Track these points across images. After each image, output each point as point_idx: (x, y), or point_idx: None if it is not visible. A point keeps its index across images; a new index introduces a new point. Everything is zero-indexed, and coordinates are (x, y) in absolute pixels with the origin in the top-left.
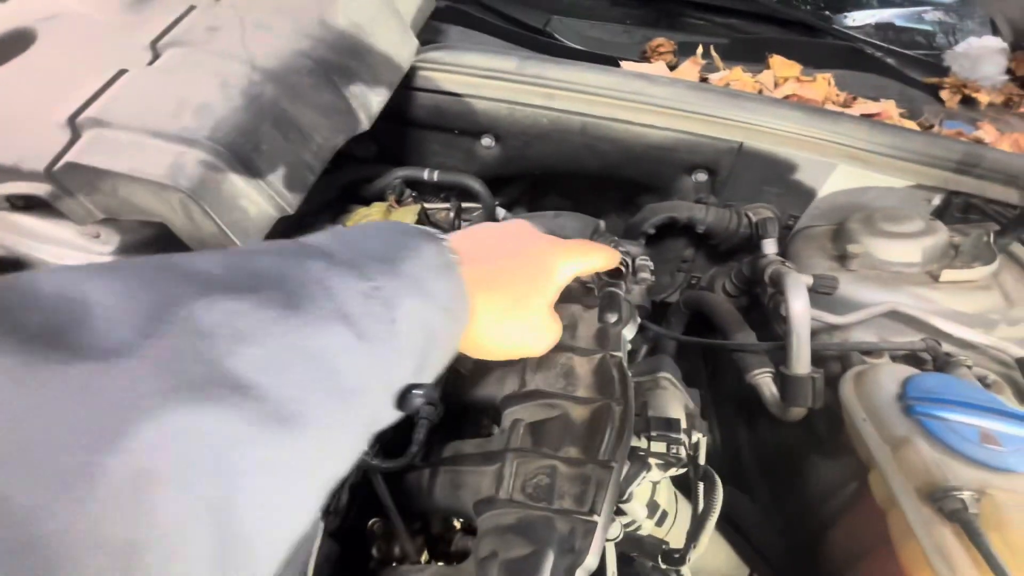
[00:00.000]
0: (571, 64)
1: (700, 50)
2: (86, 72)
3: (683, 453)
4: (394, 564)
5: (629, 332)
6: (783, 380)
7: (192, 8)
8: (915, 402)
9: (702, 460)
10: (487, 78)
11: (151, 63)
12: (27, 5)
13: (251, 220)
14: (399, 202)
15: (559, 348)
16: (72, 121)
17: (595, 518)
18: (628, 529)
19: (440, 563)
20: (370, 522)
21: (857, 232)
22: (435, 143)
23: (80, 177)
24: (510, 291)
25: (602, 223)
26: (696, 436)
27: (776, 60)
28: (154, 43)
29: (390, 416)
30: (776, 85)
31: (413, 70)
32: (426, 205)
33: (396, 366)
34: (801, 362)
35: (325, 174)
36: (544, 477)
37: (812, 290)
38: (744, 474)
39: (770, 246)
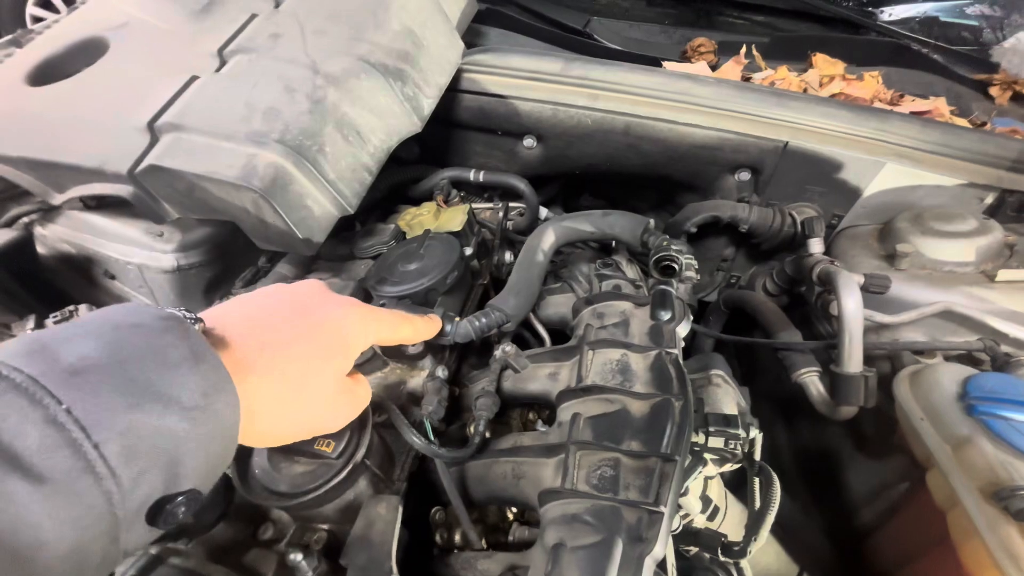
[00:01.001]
0: (615, 65)
1: (744, 49)
2: (158, 79)
3: (739, 449)
4: (455, 551)
5: (683, 329)
6: (833, 379)
7: (254, 16)
8: (977, 402)
9: (758, 456)
10: (532, 80)
11: (219, 69)
12: (95, 14)
13: (316, 219)
14: (446, 202)
15: (613, 344)
16: (151, 125)
17: (661, 508)
18: (684, 522)
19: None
20: (432, 510)
21: (906, 231)
22: (477, 144)
23: (161, 178)
24: (292, 370)
25: (651, 221)
26: (753, 432)
27: (819, 58)
28: (221, 50)
29: (144, 536)
30: (821, 84)
31: (459, 72)
32: (472, 205)
33: (119, 495)
34: (854, 360)
35: (380, 178)
36: (608, 469)
37: (864, 289)
38: (783, 474)
39: (816, 245)
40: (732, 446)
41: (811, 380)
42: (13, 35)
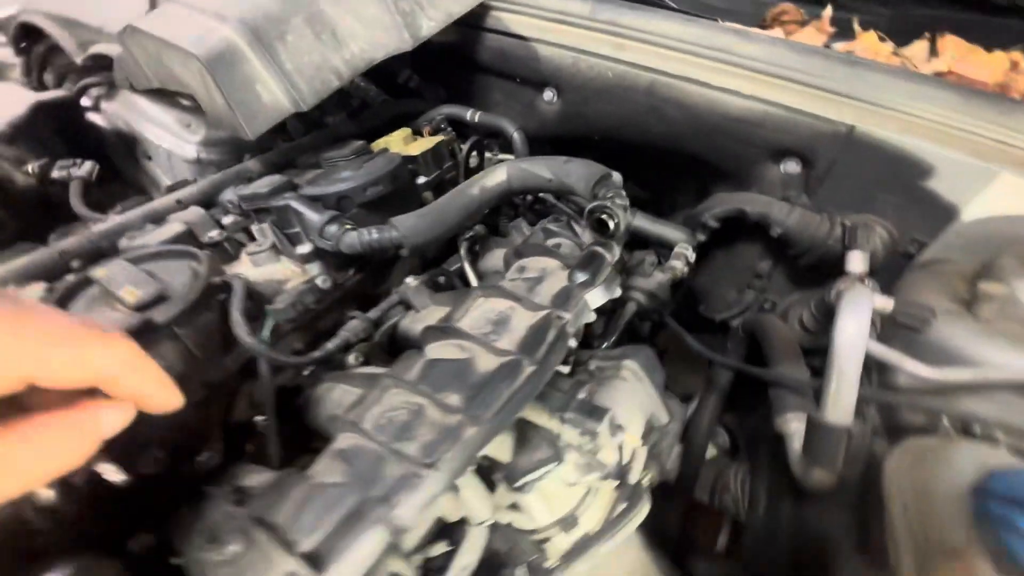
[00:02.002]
0: (648, 11)
1: (828, 11)
2: None
3: (607, 457)
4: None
5: (596, 298)
6: (809, 428)
7: None
8: (995, 502)
9: (633, 477)
10: (556, 22)
11: None
12: None
13: (263, 106)
14: (435, 135)
15: (505, 295)
16: None
17: (428, 472)
18: (528, 532)
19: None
20: (256, 418)
21: (1007, 269)
22: (498, 92)
23: (139, 41)
24: None
25: (616, 174)
26: (629, 441)
27: (949, 41)
28: None
29: None
30: (930, 61)
31: (484, 9)
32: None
33: None
34: (840, 407)
35: (381, 102)
36: (404, 413)
37: (893, 320)
38: (776, 564)
39: (857, 261)
40: (590, 446)
41: (796, 430)
42: None
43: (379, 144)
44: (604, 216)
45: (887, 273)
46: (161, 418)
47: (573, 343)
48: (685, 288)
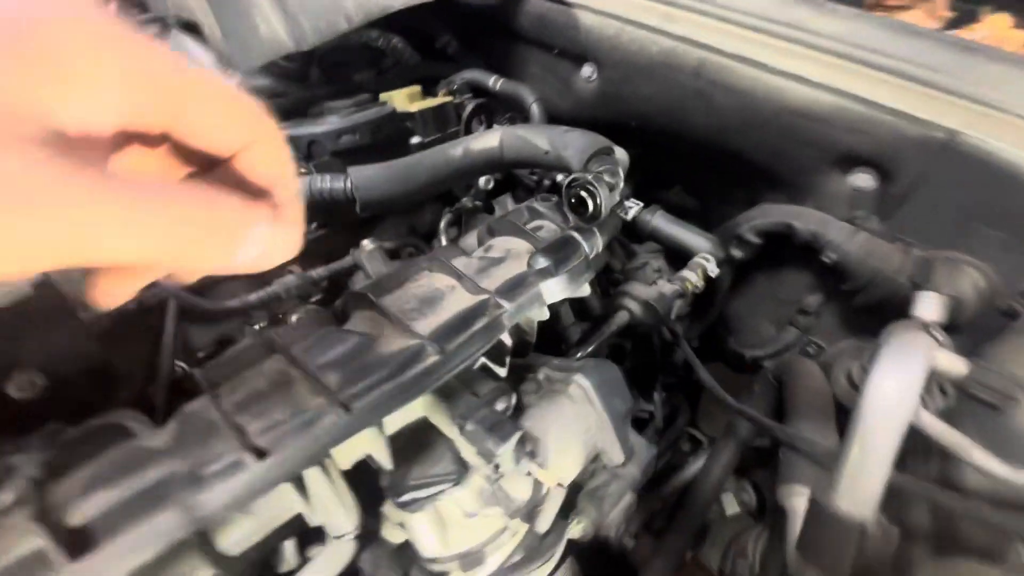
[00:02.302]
0: None
1: None
2: None
3: (518, 491)
4: None
5: (555, 292)
6: (811, 512)
7: None
8: None
9: (542, 525)
10: None
11: None
12: None
13: (259, 39)
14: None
15: (450, 273)
16: None
17: (250, 459)
18: (428, 560)
19: None
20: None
21: None
22: (535, 65)
23: None
24: None
25: (620, 150)
26: (542, 475)
27: None
28: None
29: None
30: None
31: None
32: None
33: None
34: (857, 492)
35: (410, 67)
36: (265, 384)
37: (960, 389)
38: None
39: (928, 304)
40: (487, 470)
41: (800, 507)
42: None
43: (384, 99)
44: (583, 193)
45: (979, 333)
46: (38, 334)
47: (508, 340)
48: (717, 312)
